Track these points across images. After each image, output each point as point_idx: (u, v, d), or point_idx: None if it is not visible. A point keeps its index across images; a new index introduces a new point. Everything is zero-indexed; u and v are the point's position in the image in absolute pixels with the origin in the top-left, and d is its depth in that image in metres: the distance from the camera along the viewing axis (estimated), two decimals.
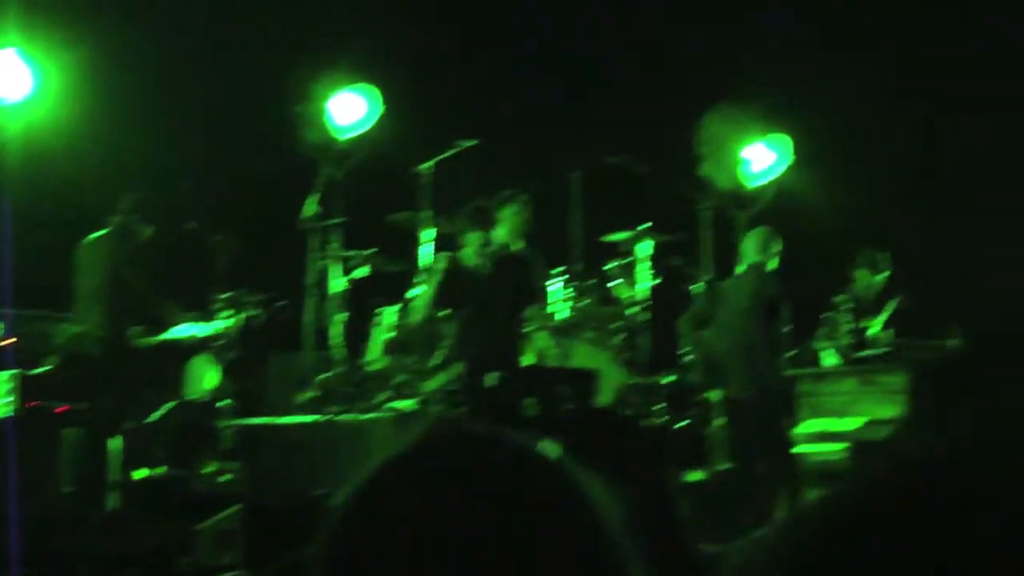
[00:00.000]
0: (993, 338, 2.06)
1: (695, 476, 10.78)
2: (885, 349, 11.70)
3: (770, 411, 10.49)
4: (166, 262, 11.25)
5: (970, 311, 11.60)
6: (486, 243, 10.60)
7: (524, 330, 11.14)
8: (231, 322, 11.16)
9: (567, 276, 12.17)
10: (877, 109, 13.75)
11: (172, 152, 12.54)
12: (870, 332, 12.14)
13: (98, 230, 11.19)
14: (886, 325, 12.17)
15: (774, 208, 12.98)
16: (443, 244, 11.09)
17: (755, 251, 10.99)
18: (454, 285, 10.70)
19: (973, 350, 2.04)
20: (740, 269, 11.08)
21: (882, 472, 1.15)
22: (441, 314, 10.71)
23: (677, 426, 12.05)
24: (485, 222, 10.68)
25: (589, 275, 12.23)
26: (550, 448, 1.50)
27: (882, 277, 12.52)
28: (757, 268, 11.00)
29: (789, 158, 12.89)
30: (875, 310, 12.34)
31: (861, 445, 10.12)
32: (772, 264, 11.04)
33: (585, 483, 1.48)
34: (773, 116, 12.88)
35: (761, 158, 12.91)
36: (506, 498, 1.43)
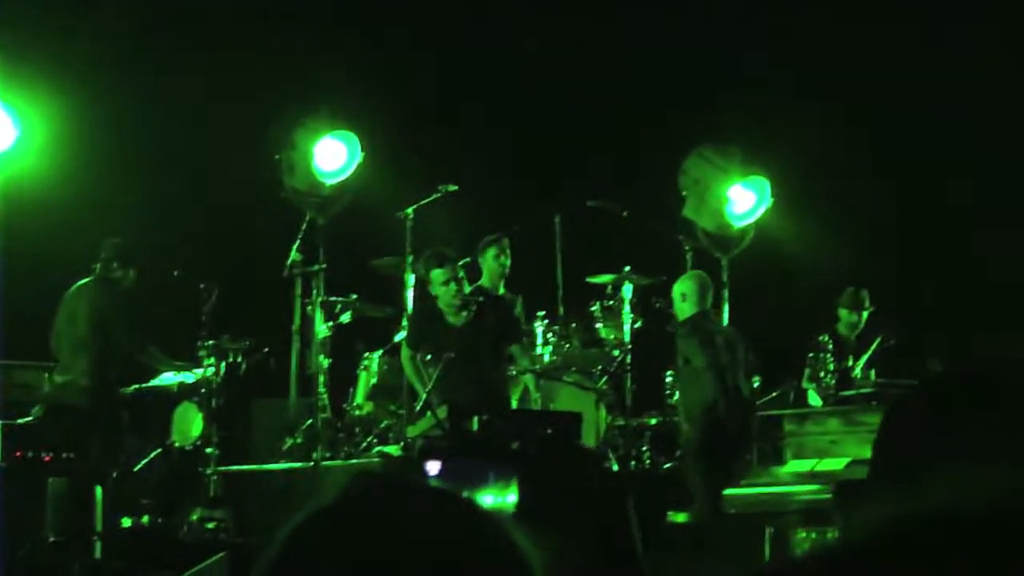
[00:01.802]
0: (961, 375, 2.07)
1: (679, 518, 10.78)
2: (868, 389, 11.73)
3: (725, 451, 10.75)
4: (150, 309, 11.27)
5: (950, 351, 11.67)
6: (451, 279, 10.63)
7: (508, 373, 11.17)
8: (215, 369, 11.17)
9: (550, 319, 12.21)
10: (855, 150, 13.84)
11: (155, 199, 12.58)
12: (854, 372, 12.18)
13: (81, 278, 11.20)
14: (868, 364, 12.21)
15: (755, 249, 13.05)
16: (423, 289, 11.14)
17: (700, 297, 11.13)
18: (430, 329, 10.74)
19: (939, 387, 2.05)
20: (684, 316, 11.19)
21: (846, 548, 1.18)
22: (426, 358, 10.74)
23: (663, 468, 12.08)
24: (445, 262, 10.74)
25: (572, 318, 12.28)
26: (501, 496, 1.52)
27: (864, 316, 12.56)
28: (706, 314, 11.16)
29: (768, 199, 12.96)
30: (858, 350, 12.39)
31: (845, 485, 10.11)
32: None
33: (510, 531, 1.50)
34: (752, 158, 12.96)
35: (742, 200, 12.98)
36: (429, 548, 1.45)
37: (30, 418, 10.38)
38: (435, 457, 8.88)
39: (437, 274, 10.67)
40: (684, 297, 11.20)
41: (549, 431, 9.91)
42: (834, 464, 10.74)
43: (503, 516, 1.53)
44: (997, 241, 13.31)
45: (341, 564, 1.44)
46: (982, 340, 12.67)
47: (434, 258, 10.79)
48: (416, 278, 11.48)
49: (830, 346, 11.77)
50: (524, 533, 1.50)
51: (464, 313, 10.73)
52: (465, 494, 1.59)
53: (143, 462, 11.04)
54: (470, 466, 9.18)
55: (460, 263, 10.85)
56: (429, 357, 10.67)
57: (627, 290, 12.25)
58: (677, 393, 11.64)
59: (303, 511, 1.52)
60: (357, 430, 11.83)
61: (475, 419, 9.88)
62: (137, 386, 11.15)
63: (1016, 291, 12.70)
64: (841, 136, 13.53)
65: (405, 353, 10.87)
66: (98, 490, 10.02)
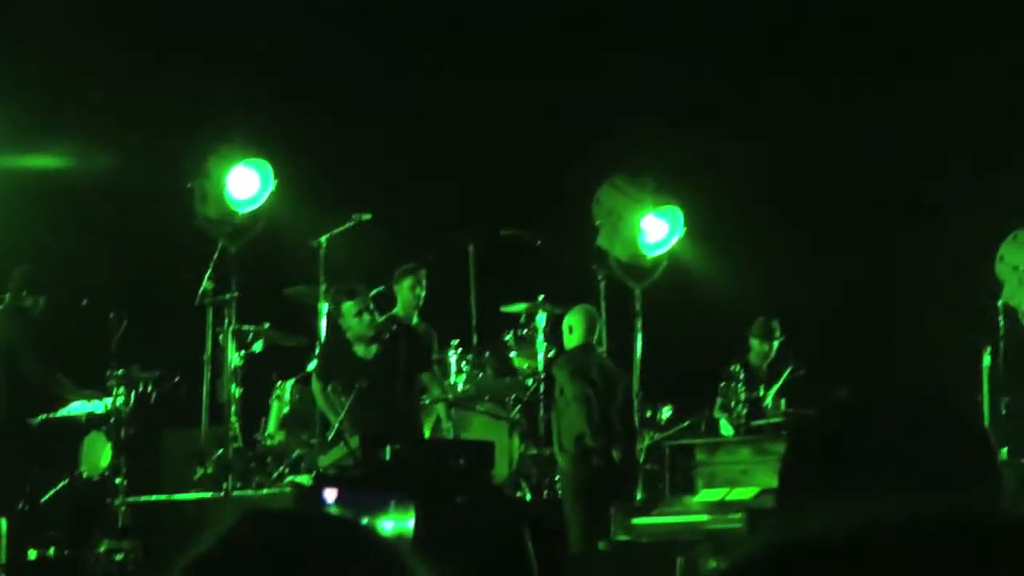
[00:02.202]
0: (859, 402, 2.10)
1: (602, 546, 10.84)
2: (778, 419, 11.82)
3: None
4: (58, 338, 11.16)
5: (861, 380, 11.77)
6: (362, 310, 10.65)
7: (420, 402, 11.15)
8: (124, 398, 11.06)
9: (463, 347, 12.20)
10: (765, 180, 13.97)
11: (65, 227, 12.46)
12: (765, 401, 12.27)
13: None
14: (779, 394, 12.30)
15: (668, 278, 13.11)
16: (333, 321, 11.10)
17: (586, 330, 11.27)
18: (341, 361, 10.72)
19: (840, 413, 2.07)
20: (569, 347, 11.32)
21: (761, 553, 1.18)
22: (337, 389, 10.71)
23: None
24: (356, 294, 10.75)
25: (485, 347, 12.27)
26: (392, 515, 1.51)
27: (775, 346, 12.66)
28: (589, 347, 11.27)
29: (681, 229, 13.03)
30: (769, 379, 12.48)
31: (755, 514, 10.18)
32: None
33: (408, 561, 1.48)
34: (665, 188, 13.02)
35: (655, 229, 13.04)
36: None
37: None
38: (332, 485, 8.84)
39: (348, 307, 10.66)
40: (571, 329, 11.33)
41: (461, 461, 9.90)
42: (745, 493, 10.80)
43: (401, 544, 1.51)
44: (908, 267, 13.49)
45: None
46: (891, 368, 12.82)
47: (344, 291, 10.78)
48: (329, 308, 11.44)
49: (741, 375, 11.85)
50: (422, 563, 1.49)
51: (375, 346, 10.72)
52: (364, 522, 1.57)
53: (50, 493, 10.90)
54: (368, 494, 9.15)
55: (371, 293, 10.83)
56: (341, 387, 10.65)
57: (541, 319, 12.27)
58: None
59: (195, 546, 1.49)
60: (269, 459, 11.74)
61: (387, 448, 9.85)
62: (44, 416, 11.03)
63: (926, 320, 12.84)
64: (752, 166, 13.65)
65: (316, 386, 10.85)
66: (3, 522, 9.89)
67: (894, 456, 1.90)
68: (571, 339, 11.34)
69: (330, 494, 7.94)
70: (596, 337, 11.40)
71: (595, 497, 10.87)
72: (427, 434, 11.31)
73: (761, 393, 12.27)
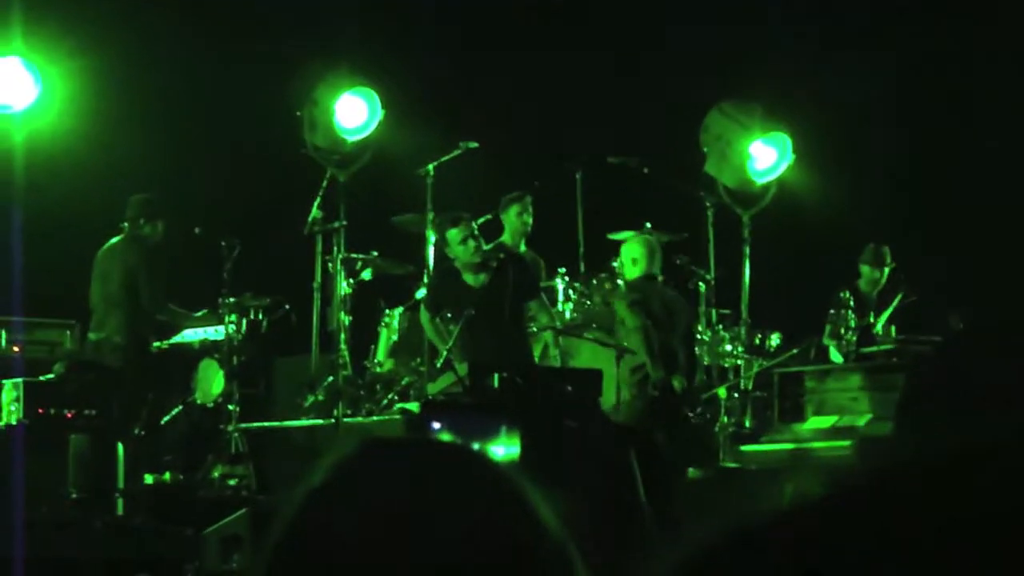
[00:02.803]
0: (982, 332, 2.06)
1: (695, 474, 10.83)
2: (889, 346, 11.71)
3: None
4: (172, 265, 11.30)
5: (973, 307, 11.62)
6: (467, 236, 10.62)
7: (528, 330, 11.17)
8: (236, 326, 11.19)
9: (570, 276, 12.19)
10: (878, 106, 13.77)
11: (176, 156, 12.58)
12: (875, 328, 12.16)
13: (104, 236, 11.23)
14: (889, 321, 12.18)
15: (776, 206, 13.01)
16: (441, 251, 11.13)
17: (648, 261, 11.08)
18: (449, 290, 10.74)
19: (963, 345, 2.04)
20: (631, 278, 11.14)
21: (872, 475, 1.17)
22: (446, 317, 10.74)
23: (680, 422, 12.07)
24: (459, 221, 10.72)
25: (592, 275, 12.25)
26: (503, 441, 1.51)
27: (886, 273, 12.53)
28: (651, 278, 11.11)
29: (790, 156, 12.91)
30: (879, 306, 12.36)
31: (865, 441, 10.13)
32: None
33: (523, 487, 1.49)
34: (773, 114, 12.90)
35: (763, 156, 12.93)
36: (445, 509, 1.45)
37: (52, 375, 10.41)
38: (441, 412, 8.86)
39: (453, 234, 10.66)
40: (634, 261, 11.17)
41: (569, 388, 9.92)
42: (854, 420, 10.75)
43: (514, 470, 1.52)
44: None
45: (355, 532, 1.44)
46: (1007, 295, 12.63)
47: (448, 219, 10.78)
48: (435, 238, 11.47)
49: (851, 303, 11.75)
50: (533, 487, 1.50)
51: (483, 274, 10.73)
52: (475, 447, 1.58)
53: (165, 419, 11.08)
54: (477, 420, 9.19)
55: (475, 221, 10.84)
56: (450, 315, 10.68)
57: None
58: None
59: (315, 473, 1.51)
60: (378, 387, 11.84)
61: (496, 376, 9.88)
62: (159, 343, 11.20)
63: None
64: (863, 92, 13.46)
65: (425, 316, 10.88)
66: (120, 447, 10.07)
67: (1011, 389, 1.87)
68: (633, 270, 11.17)
69: (437, 424, 7.97)
70: (658, 267, 11.25)
71: (652, 427, 10.72)
72: (536, 361, 11.32)
73: (872, 320, 12.16)
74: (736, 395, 12.05)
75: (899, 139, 13.86)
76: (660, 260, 11.29)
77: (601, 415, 9.97)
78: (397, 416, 11.11)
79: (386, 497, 1.46)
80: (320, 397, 11.57)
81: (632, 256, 11.21)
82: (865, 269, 12.58)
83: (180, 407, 11.19)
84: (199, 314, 11.30)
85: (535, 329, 11.24)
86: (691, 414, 11.46)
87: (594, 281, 12.12)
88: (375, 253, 11.94)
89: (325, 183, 11.69)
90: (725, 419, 11.84)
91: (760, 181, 13.03)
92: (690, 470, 10.90)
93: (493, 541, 1.44)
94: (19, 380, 10.05)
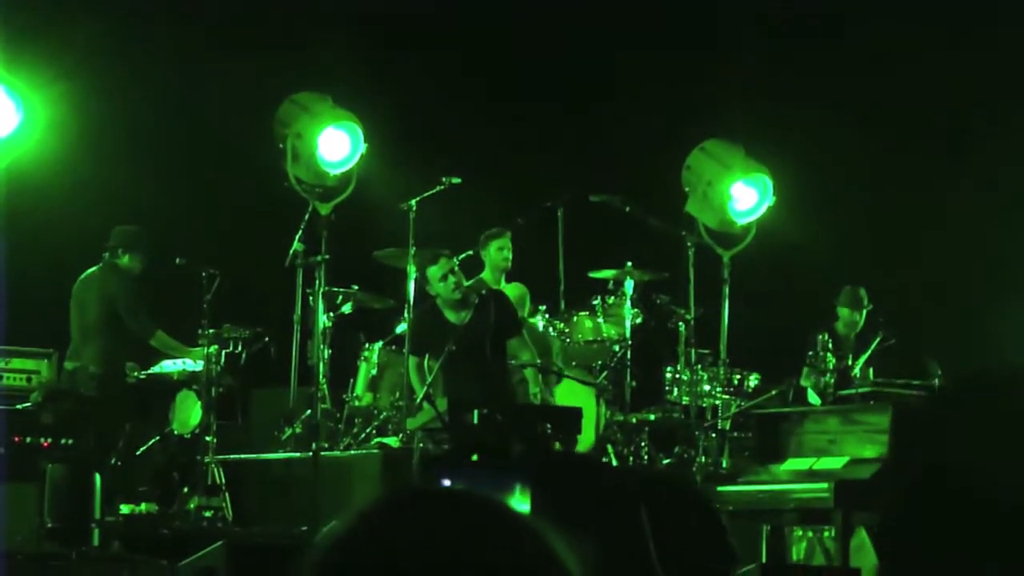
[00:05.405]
0: (971, 379, 2.08)
1: None
2: (866, 388, 11.74)
3: None
4: (155, 296, 11.29)
5: (950, 350, 11.68)
6: (447, 273, 10.63)
7: (508, 367, 11.17)
8: (215, 358, 11.17)
9: (551, 313, 12.20)
10: (858, 148, 13.85)
11: (158, 185, 12.58)
12: (853, 371, 12.19)
13: (85, 265, 11.23)
14: (867, 363, 12.21)
15: (757, 246, 13.04)
16: (422, 291, 11.13)
17: None
18: (432, 330, 10.74)
19: (953, 391, 2.06)
20: None
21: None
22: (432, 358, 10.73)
23: (661, 463, 12.08)
24: (439, 257, 10.73)
25: (573, 312, 12.27)
26: (517, 498, 1.51)
27: (864, 315, 12.58)
28: None
29: (771, 197, 12.95)
30: (857, 348, 12.39)
31: (843, 483, 10.13)
32: None
33: (550, 539, 1.49)
34: (755, 155, 12.94)
35: (744, 197, 12.97)
36: (472, 563, 1.45)
37: (28, 404, 10.37)
38: (445, 469, 8.82)
39: (433, 271, 10.67)
40: None
41: (548, 427, 9.91)
42: (832, 463, 10.75)
43: (543, 524, 1.52)
44: (1001, 240, 13.34)
45: None
46: (981, 339, 12.69)
47: (427, 256, 10.79)
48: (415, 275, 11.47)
49: (829, 344, 11.77)
50: (562, 540, 1.50)
51: (464, 311, 10.73)
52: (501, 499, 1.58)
53: (142, 449, 11.05)
54: (487, 476, 9.17)
55: (456, 257, 10.84)
56: (429, 356, 10.68)
57: (628, 285, 12.23)
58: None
59: (344, 519, 1.50)
60: (357, 421, 11.83)
61: (475, 412, 9.88)
62: (137, 373, 11.17)
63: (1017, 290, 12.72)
64: (843, 135, 13.53)
65: (412, 362, 10.88)
66: (96, 477, 10.02)
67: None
68: None
69: (447, 481, 7.95)
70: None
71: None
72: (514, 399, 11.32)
73: (850, 362, 12.19)
74: (714, 435, 12.06)
75: (881, 181, 13.93)
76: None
77: (615, 474, 9.95)
78: (375, 451, 11.10)
79: (413, 547, 1.46)
80: (298, 430, 11.55)
81: None
82: (843, 311, 12.62)
83: (157, 438, 11.15)
84: (196, 350, 11.25)
85: (515, 364, 11.24)
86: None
87: (574, 319, 12.14)
88: (356, 287, 11.94)
89: (307, 216, 11.68)
90: (703, 459, 11.84)
91: (740, 222, 13.06)
92: None
93: None
94: None
